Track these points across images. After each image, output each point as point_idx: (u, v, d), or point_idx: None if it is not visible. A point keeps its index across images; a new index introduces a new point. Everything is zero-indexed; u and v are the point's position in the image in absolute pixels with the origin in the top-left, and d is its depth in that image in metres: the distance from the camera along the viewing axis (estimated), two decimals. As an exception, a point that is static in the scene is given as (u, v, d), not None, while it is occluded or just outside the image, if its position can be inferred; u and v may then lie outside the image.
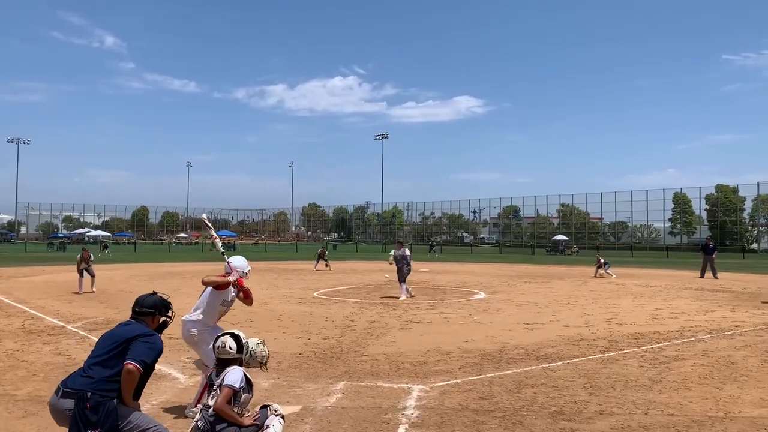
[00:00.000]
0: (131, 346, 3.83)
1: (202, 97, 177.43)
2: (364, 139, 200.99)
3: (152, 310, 4.14)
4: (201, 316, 6.02)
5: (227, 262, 6.30)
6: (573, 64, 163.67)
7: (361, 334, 10.15)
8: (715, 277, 23.90)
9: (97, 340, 4.02)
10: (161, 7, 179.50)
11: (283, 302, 14.91)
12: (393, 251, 16.78)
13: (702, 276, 24.36)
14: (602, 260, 27.56)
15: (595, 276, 25.99)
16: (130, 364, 3.76)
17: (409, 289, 16.38)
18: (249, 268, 6.38)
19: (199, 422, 4.30)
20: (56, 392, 3.81)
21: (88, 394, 3.68)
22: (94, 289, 17.17)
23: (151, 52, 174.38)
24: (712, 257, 24.77)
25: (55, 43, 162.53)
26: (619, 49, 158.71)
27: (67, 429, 3.73)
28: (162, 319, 4.21)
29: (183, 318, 6.03)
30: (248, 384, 4.51)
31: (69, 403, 3.69)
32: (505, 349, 8.94)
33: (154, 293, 4.27)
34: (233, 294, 6.10)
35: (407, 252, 16.45)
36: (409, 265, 16.28)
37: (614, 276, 25.79)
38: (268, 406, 4.65)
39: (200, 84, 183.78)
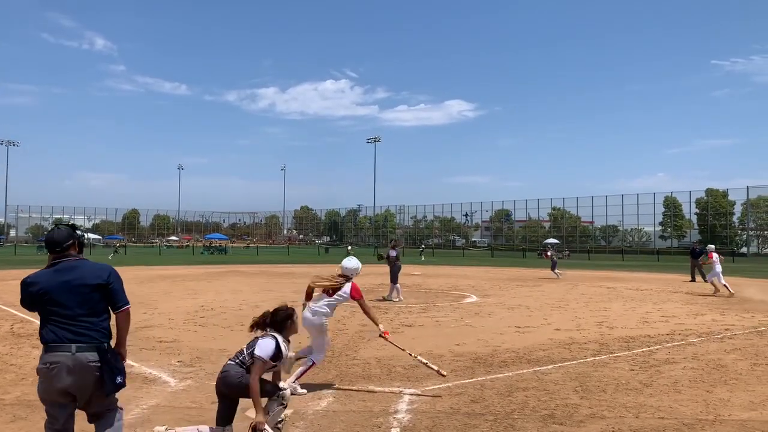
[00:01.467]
0: (111, 289, 3.98)
1: (193, 100, 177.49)
2: (356, 142, 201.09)
3: (72, 240, 4.11)
4: (328, 309, 6.91)
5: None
6: (564, 68, 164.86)
7: (352, 338, 10.12)
8: (705, 281, 23.98)
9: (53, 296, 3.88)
10: (151, 9, 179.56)
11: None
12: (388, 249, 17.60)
13: (693, 279, 24.55)
14: (554, 259, 28.26)
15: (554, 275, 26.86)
16: (127, 308, 4.09)
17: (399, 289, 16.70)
18: (359, 269, 7.21)
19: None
20: (62, 350, 3.77)
21: (105, 345, 3.90)
22: None
23: (142, 54, 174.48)
24: (698, 261, 24.99)
25: (45, 45, 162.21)
26: (610, 53, 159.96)
27: (77, 384, 3.79)
28: (78, 239, 4.19)
29: (312, 306, 6.89)
30: (279, 353, 4.86)
31: (93, 356, 3.82)
32: (497, 352, 8.95)
33: (57, 227, 4.22)
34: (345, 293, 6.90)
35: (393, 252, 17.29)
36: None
37: (560, 276, 26.52)
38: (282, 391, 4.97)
39: (191, 87, 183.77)
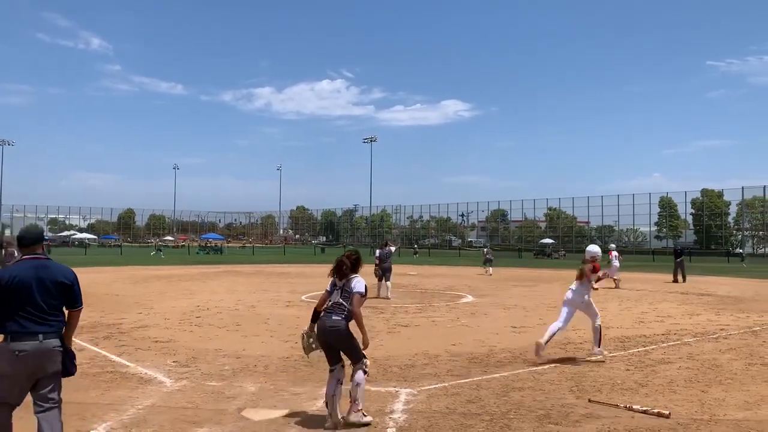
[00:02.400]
0: (74, 290, 4.35)
1: (189, 100, 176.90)
2: (352, 142, 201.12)
3: (42, 239, 4.48)
4: (584, 288, 8.65)
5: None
6: (560, 69, 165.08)
7: (348, 338, 10.11)
8: (683, 281, 24.37)
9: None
10: (147, 9, 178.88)
11: (270, 305, 14.85)
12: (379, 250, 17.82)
13: (675, 280, 24.55)
14: (489, 256, 30.20)
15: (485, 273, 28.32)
16: (81, 308, 4.46)
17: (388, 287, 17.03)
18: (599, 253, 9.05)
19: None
20: (29, 339, 4.11)
21: (61, 335, 4.32)
22: None
23: (138, 54, 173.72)
24: (678, 261, 25.25)
25: (41, 44, 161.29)
26: (606, 54, 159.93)
27: (35, 370, 4.16)
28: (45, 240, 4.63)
29: (573, 288, 8.66)
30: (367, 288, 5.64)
31: (56, 342, 4.23)
32: (493, 352, 8.96)
33: (30, 225, 4.65)
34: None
35: (380, 251, 17.68)
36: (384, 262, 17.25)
37: (491, 274, 28.09)
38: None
39: (187, 87, 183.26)
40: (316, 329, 5.62)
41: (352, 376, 5.46)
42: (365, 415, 5.45)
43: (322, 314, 5.62)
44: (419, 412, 5.86)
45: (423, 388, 6.79)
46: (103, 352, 8.70)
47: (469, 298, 17.21)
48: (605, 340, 10.00)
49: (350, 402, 5.43)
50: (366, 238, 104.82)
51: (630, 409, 6.03)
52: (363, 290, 5.55)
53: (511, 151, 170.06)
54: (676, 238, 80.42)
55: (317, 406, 6.03)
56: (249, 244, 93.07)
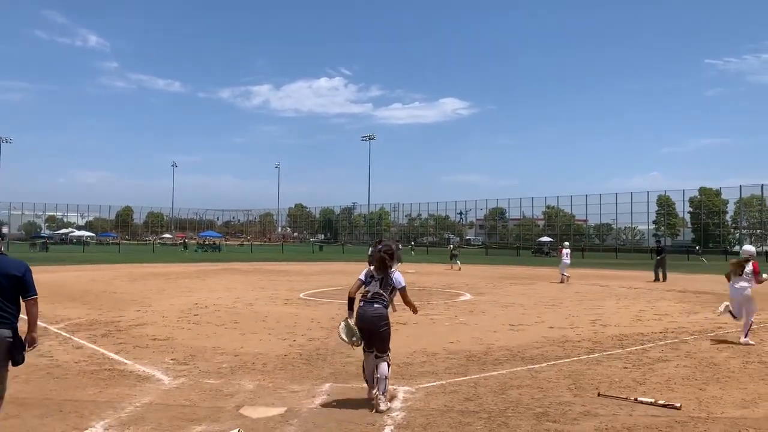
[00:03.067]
0: (25, 280, 4.68)
1: (186, 97, 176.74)
2: (351, 140, 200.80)
3: (1, 237, 4.85)
4: (747, 284, 9.87)
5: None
6: (558, 68, 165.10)
7: (346, 336, 10.12)
8: (664, 280, 24.00)
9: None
10: (144, 6, 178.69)
11: (268, 303, 14.85)
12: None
13: (656, 279, 24.15)
14: (455, 252, 30.47)
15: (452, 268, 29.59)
16: (36, 297, 4.79)
17: None
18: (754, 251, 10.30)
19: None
20: None
21: (16, 325, 4.64)
22: None
23: (135, 51, 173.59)
24: (659, 259, 24.81)
25: (38, 41, 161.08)
26: (604, 53, 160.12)
27: None
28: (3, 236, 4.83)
29: (734, 285, 9.95)
30: None
31: (8, 333, 4.55)
32: (491, 350, 8.97)
33: None
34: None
35: (373, 249, 17.87)
36: None
37: (459, 269, 29.47)
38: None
39: (185, 84, 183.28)
40: (355, 316, 6.08)
41: (377, 367, 5.92)
42: (389, 403, 5.93)
43: (361, 303, 6.07)
44: (417, 410, 5.86)
45: (421, 386, 6.80)
46: (101, 350, 8.69)
47: (467, 296, 17.22)
48: (602, 339, 10.05)
49: (379, 393, 5.84)
50: (364, 236, 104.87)
51: (639, 402, 6.07)
52: (404, 283, 6.28)
53: (510, 150, 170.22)
54: (674, 236, 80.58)
55: (315, 403, 6.04)
56: (247, 242, 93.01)
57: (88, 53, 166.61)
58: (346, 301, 6.26)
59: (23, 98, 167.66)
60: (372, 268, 6.22)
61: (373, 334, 5.98)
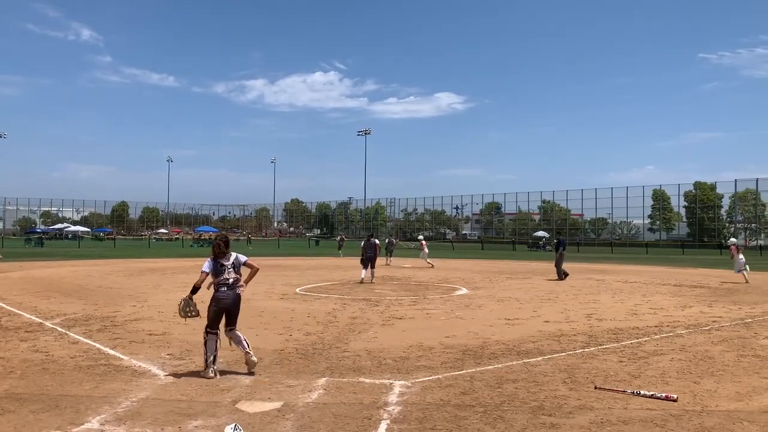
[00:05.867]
0: None
1: (181, 92, 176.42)
2: (346, 134, 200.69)
3: None
4: None
5: None
6: (553, 61, 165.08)
7: (343, 330, 10.14)
8: (563, 277, 21.33)
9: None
10: (137, 0, 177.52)
11: (264, 298, 14.84)
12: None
13: (560, 277, 21.37)
14: (391, 246, 32.36)
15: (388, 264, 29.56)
16: None
17: (371, 274, 19.56)
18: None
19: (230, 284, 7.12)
20: None
21: None
22: None
23: (128, 45, 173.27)
24: (560, 254, 22.19)
25: (31, 35, 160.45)
26: (599, 47, 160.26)
27: None
28: None
29: None
30: None
31: None
32: (487, 344, 8.99)
33: None
34: None
35: (377, 241, 20.55)
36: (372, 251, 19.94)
37: (389, 264, 29.61)
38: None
39: (179, 78, 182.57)
40: (219, 300, 7.08)
41: (235, 336, 7.13)
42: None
43: (224, 288, 7.08)
44: (413, 404, 5.88)
45: (417, 380, 6.81)
46: (97, 345, 8.68)
47: (464, 291, 17.25)
48: (598, 332, 10.08)
49: (248, 349, 7.05)
50: (361, 231, 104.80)
51: (638, 395, 6.09)
52: (246, 258, 7.32)
53: (505, 144, 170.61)
54: (669, 230, 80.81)
55: (312, 398, 6.04)
56: (243, 237, 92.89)
57: (81, 47, 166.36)
58: (190, 289, 7.28)
59: (16, 92, 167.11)
60: (215, 257, 7.11)
61: (233, 314, 7.12)
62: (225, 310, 7.04)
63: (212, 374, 6.81)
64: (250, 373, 6.94)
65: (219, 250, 7.11)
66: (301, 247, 59.79)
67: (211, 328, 6.97)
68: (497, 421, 5.36)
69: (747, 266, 20.77)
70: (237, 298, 7.11)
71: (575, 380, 6.82)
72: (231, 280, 7.05)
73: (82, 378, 6.75)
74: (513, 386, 6.56)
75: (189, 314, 7.26)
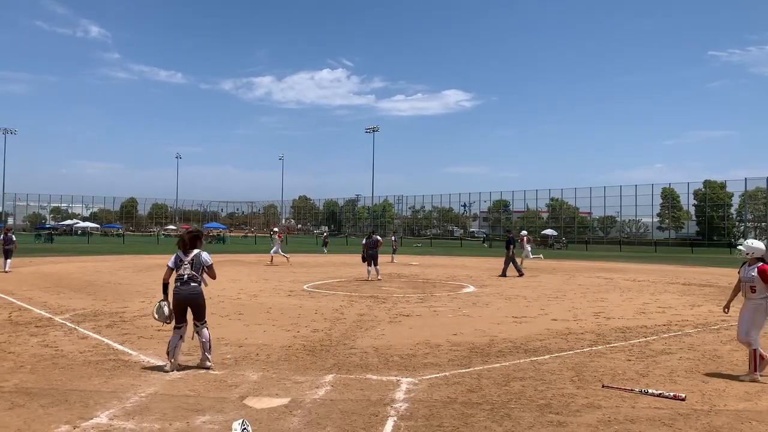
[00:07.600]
0: None
1: (189, 89, 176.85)
2: (354, 132, 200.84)
3: None
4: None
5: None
6: (561, 59, 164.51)
7: (350, 327, 10.15)
8: (504, 275, 21.43)
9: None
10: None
11: (272, 295, 14.88)
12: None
13: (503, 274, 21.55)
14: (395, 246, 32.72)
15: (392, 262, 29.60)
16: None
17: (376, 271, 19.56)
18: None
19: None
20: None
21: None
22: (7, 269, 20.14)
23: (136, 42, 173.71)
24: (508, 251, 22.05)
25: (39, 32, 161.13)
26: (607, 44, 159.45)
27: None
28: None
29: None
30: None
31: None
32: (494, 342, 8.98)
33: None
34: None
35: (379, 238, 20.41)
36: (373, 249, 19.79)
37: (395, 262, 29.67)
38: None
39: (186, 75, 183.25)
40: (172, 298, 6.98)
41: (200, 334, 7.06)
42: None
43: (178, 284, 6.99)
44: (420, 401, 5.88)
45: (424, 377, 6.81)
46: (106, 341, 8.73)
47: (471, 288, 17.23)
48: (606, 331, 10.05)
49: (206, 353, 7.06)
50: (368, 228, 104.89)
51: (646, 393, 6.08)
52: (211, 261, 7.27)
53: (513, 141, 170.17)
54: (678, 229, 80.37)
55: (319, 394, 6.06)
56: (251, 234, 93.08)
57: (89, 44, 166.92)
58: (161, 288, 7.21)
59: (26, 89, 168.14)
60: (180, 252, 7.09)
61: (191, 308, 6.99)
62: (180, 305, 6.98)
63: (168, 368, 6.86)
64: (205, 368, 7.03)
65: (182, 244, 7.17)
66: (309, 245, 59.89)
67: (176, 322, 7.02)
68: (504, 419, 5.35)
69: None
70: (192, 294, 7.01)
71: (583, 378, 6.81)
72: (185, 276, 7.01)
73: (91, 373, 6.80)
74: (520, 384, 6.55)
75: (160, 320, 7.16)
